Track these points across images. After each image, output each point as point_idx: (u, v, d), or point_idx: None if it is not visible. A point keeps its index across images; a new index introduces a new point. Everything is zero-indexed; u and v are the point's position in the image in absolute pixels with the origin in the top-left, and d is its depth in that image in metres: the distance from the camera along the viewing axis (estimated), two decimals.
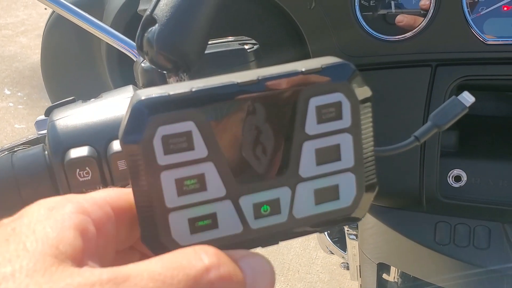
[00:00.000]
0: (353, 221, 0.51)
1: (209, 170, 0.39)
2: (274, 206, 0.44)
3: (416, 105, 0.99)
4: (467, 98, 0.66)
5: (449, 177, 1.05)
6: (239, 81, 0.39)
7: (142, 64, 0.71)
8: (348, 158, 0.47)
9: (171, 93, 0.38)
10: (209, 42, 0.71)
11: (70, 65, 1.18)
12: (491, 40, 0.93)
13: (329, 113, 0.44)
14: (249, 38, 0.80)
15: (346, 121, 0.46)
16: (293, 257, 3.60)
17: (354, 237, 1.45)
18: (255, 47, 0.78)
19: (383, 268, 1.34)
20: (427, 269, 1.16)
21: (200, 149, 0.38)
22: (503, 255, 1.02)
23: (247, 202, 0.42)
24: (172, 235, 0.39)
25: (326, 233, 1.67)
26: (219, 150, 0.39)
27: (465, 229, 1.06)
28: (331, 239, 1.63)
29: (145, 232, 0.40)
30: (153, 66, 0.64)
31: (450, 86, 0.98)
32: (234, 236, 0.42)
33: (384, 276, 1.41)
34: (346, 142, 0.46)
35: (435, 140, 1.00)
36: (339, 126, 0.45)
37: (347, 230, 1.44)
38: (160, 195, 0.38)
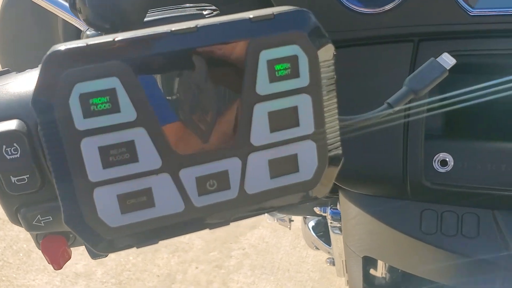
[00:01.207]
0: (314, 199, 0.44)
1: (140, 137, 0.32)
2: (222, 180, 0.37)
3: (398, 84, 0.92)
4: (447, 60, 0.59)
5: (434, 162, 0.99)
6: (173, 29, 0.32)
7: (87, 32, 0.64)
8: (307, 123, 0.40)
9: (90, 43, 0.30)
10: (164, 9, 0.64)
11: (27, 44, 1.11)
12: (476, 11, 0.87)
13: (284, 69, 0.37)
14: (209, 4, 0.73)
15: (304, 79, 0.39)
16: (283, 256, 3.53)
17: (338, 230, 1.38)
18: (215, 13, 0.71)
19: (369, 262, 1.27)
20: (413, 260, 1.09)
21: (127, 111, 0.31)
22: (493, 244, 0.96)
23: (189, 175, 0.35)
24: (99, 214, 0.33)
25: (310, 227, 1.60)
26: (151, 113, 0.32)
27: (453, 217, 0.99)
28: (316, 233, 1.56)
29: (67, 212, 0.33)
30: (93, 30, 0.57)
31: None
32: (175, 216, 0.36)
33: (372, 271, 1.34)
34: (304, 104, 0.39)
35: (419, 121, 0.93)
36: (296, 85, 0.39)
37: (331, 223, 1.37)
38: (81, 166, 0.32)
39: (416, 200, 1.01)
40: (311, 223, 1.61)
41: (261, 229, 3.86)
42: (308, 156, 0.42)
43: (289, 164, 0.41)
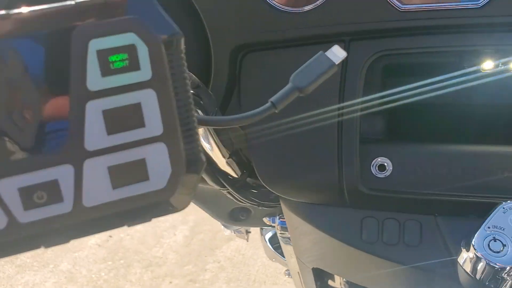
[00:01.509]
0: (171, 211, 0.38)
1: None
2: (52, 191, 0.31)
3: (330, 88, 0.88)
4: (337, 53, 0.54)
5: (372, 166, 0.94)
6: None
7: None
8: (155, 123, 0.34)
9: None
10: None
11: None
12: (405, 6, 0.83)
13: (121, 61, 0.31)
14: None
15: (145, 72, 0.33)
16: (259, 268, 3.46)
17: (289, 241, 1.33)
18: None
19: (324, 273, 1.21)
20: (357, 270, 1.04)
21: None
22: (436, 252, 0.91)
23: (9, 187, 0.29)
24: None
25: (267, 238, 1.54)
26: None
27: (394, 225, 0.94)
28: (272, 245, 1.50)
29: None
30: None
31: (366, 62, 0.87)
32: None
33: (330, 282, 1.29)
34: (149, 101, 0.33)
35: (353, 125, 0.88)
36: (136, 79, 0.33)
37: (281, 233, 1.31)
38: None
39: (356, 208, 0.96)
40: (268, 235, 1.55)
41: (238, 241, 3.79)
42: (159, 161, 0.36)
43: (136, 171, 0.35)
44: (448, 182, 0.91)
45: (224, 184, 1.00)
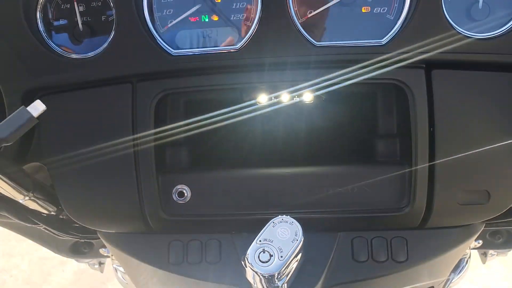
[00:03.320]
0: None
1: None
2: None
3: (124, 122, 0.95)
4: (37, 107, 0.62)
5: (174, 194, 1.03)
6: None
7: None
8: None
9: None
10: None
11: None
12: (177, 52, 0.93)
13: None
14: None
15: None
16: None
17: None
18: None
19: None
20: None
21: None
22: (233, 267, 1.01)
23: None
24: None
25: (117, 266, 1.57)
26: None
27: (197, 245, 1.03)
28: (122, 275, 1.53)
29: None
30: None
31: (153, 100, 0.96)
32: None
33: None
34: None
35: (148, 155, 0.96)
36: None
37: (114, 262, 1.36)
38: None
39: (163, 233, 1.04)
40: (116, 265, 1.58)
41: None
42: None
43: None
44: (238, 202, 1.02)
45: (35, 221, 1.03)
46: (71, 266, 3.71)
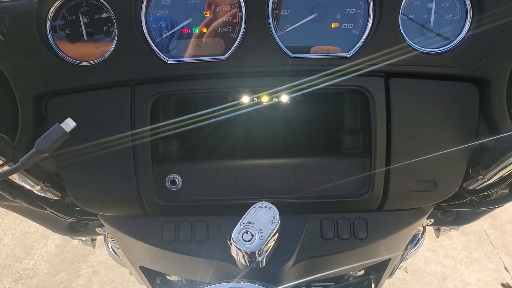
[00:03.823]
0: None
1: None
2: None
3: (124, 119, 1.09)
4: (69, 124, 0.76)
5: (167, 182, 1.17)
6: None
7: None
8: None
9: None
10: None
11: None
12: (171, 60, 1.07)
13: None
14: None
15: None
16: None
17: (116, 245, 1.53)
18: None
19: (148, 269, 1.42)
20: (164, 265, 1.28)
21: None
22: (219, 245, 1.17)
23: None
24: None
25: (110, 246, 1.72)
26: None
27: (187, 226, 1.18)
28: (114, 251, 1.69)
29: None
30: None
31: (150, 101, 1.09)
32: None
33: (155, 274, 1.50)
34: None
35: (144, 148, 1.10)
36: None
37: (111, 239, 1.51)
38: None
39: (157, 216, 1.19)
40: (111, 242, 1.74)
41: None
42: None
43: None
44: (223, 190, 1.18)
45: (44, 206, 1.17)
46: (54, 240, 3.83)
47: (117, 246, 1.56)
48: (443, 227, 1.78)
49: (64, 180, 1.13)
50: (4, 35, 0.87)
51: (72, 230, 1.56)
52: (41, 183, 1.09)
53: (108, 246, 1.67)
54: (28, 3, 0.67)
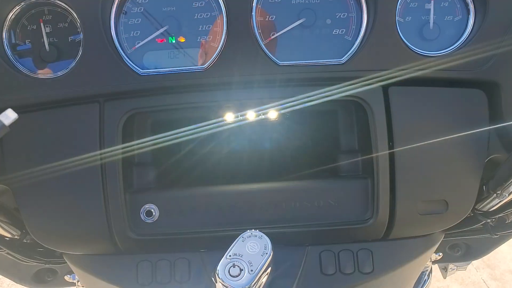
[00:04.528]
0: None
1: None
2: None
3: (91, 142, 0.96)
4: (10, 116, 0.63)
5: (141, 213, 1.03)
6: None
7: None
8: None
9: None
10: None
11: None
12: (145, 71, 0.95)
13: None
14: None
15: None
16: None
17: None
18: None
19: None
20: None
21: None
22: (202, 286, 1.01)
23: None
24: None
25: None
26: None
27: (166, 265, 1.03)
28: None
29: None
30: None
31: (121, 119, 0.97)
32: None
33: None
34: None
35: (116, 176, 0.96)
36: None
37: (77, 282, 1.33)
38: None
39: (131, 253, 1.03)
40: None
41: None
42: None
43: None
44: (205, 220, 1.03)
45: (0, 246, 1.01)
46: None
47: None
48: (450, 266, 1.63)
49: (22, 213, 0.97)
50: None
51: (38, 280, 1.37)
52: None
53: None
54: None
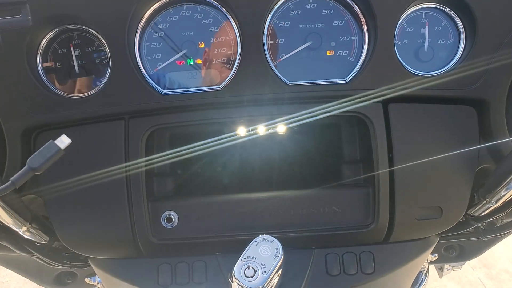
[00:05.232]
0: None
1: None
2: None
3: (117, 155, 1.05)
4: (64, 140, 0.72)
5: (162, 220, 1.12)
6: None
7: None
8: None
9: None
10: None
11: None
12: (166, 91, 1.04)
13: None
14: None
15: None
16: None
17: None
18: None
19: None
20: None
21: None
22: (219, 286, 1.10)
23: None
24: None
25: None
26: None
27: (185, 267, 1.12)
28: None
29: None
30: None
31: (144, 135, 1.05)
32: None
33: None
34: None
35: (139, 185, 1.05)
36: None
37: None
38: None
39: (152, 257, 1.12)
40: None
41: None
42: None
43: None
44: (220, 225, 1.12)
45: (30, 250, 1.09)
46: None
47: None
48: (446, 266, 1.72)
49: (53, 220, 1.06)
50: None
51: (59, 283, 1.46)
52: (28, 224, 1.03)
53: None
54: (22, 20, 0.65)
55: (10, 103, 1.00)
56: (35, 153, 0.70)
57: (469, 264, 3.93)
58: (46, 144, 0.70)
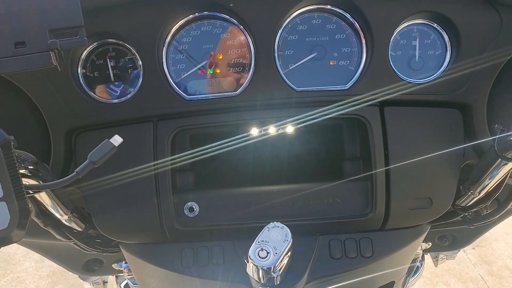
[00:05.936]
0: (10, 242, 0.65)
1: None
2: None
3: (146, 154, 1.20)
4: (117, 139, 0.88)
5: (185, 209, 1.27)
6: None
7: None
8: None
9: None
10: None
11: None
12: (190, 97, 1.20)
13: None
14: None
15: None
16: None
17: (135, 281, 1.59)
18: None
19: None
20: None
21: None
22: (235, 267, 1.25)
23: None
24: None
25: (123, 286, 1.77)
26: None
27: (204, 251, 1.27)
28: (127, 284, 1.73)
29: None
30: None
31: (170, 135, 1.20)
32: None
33: None
34: None
35: (165, 179, 1.20)
36: None
37: (128, 275, 1.57)
38: None
39: (176, 242, 1.28)
40: (124, 283, 1.79)
41: None
42: (1, 211, 0.63)
43: None
44: (237, 214, 1.27)
45: (70, 236, 1.25)
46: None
47: (135, 283, 1.62)
48: (441, 256, 1.86)
49: (91, 210, 1.22)
50: (62, 67, 0.99)
51: (87, 269, 1.62)
52: (70, 213, 1.18)
53: (126, 284, 1.73)
54: (80, 41, 0.80)
55: (55, 108, 1.16)
56: (94, 149, 0.85)
57: (471, 261, 4.04)
58: (103, 142, 0.85)
